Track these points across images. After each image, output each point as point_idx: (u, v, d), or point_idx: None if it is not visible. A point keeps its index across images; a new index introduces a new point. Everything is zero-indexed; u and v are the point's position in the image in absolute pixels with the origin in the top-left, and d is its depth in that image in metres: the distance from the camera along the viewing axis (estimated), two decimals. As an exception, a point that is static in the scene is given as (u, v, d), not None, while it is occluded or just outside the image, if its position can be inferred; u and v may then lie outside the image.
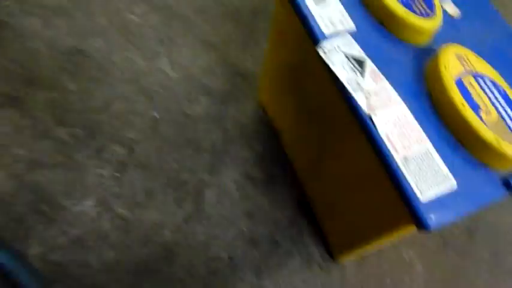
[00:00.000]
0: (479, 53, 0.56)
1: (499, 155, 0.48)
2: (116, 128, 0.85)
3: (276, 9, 0.68)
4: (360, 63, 0.54)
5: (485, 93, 0.50)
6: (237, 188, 0.82)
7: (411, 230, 0.53)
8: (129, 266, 0.74)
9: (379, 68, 0.54)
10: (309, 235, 0.80)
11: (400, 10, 0.55)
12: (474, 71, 0.52)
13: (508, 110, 0.50)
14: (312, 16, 0.56)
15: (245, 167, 0.85)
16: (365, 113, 0.50)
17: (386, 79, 0.53)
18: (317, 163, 0.74)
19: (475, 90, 0.50)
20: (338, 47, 0.54)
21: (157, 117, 0.87)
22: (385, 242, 0.66)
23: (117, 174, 0.81)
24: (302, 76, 0.68)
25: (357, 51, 0.54)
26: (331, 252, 0.79)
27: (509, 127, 0.49)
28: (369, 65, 0.54)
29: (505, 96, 0.51)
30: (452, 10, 0.62)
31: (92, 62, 0.92)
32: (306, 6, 0.56)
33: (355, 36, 0.56)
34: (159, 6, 1.01)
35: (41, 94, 0.86)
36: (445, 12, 0.61)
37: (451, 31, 0.60)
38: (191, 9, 1.02)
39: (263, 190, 0.83)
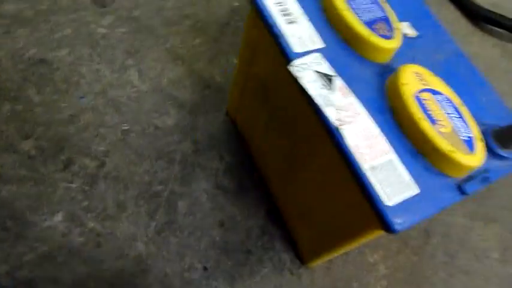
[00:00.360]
0: (434, 71, 0.61)
1: (454, 164, 0.53)
2: (84, 141, 0.84)
3: (247, 26, 0.71)
4: (329, 79, 0.58)
5: (441, 108, 0.56)
6: (209, 198, 0.84)
7: (378, 234, 0.57)
8: (102, 280, 0.73)
9: (346, 84, 0.58)
10: (279, 242, 0.83)
11: (364, 32, 0.59)
12: (430, 88, 0.57)
13: (460, 122, 0.56)
14: (284, 36, 0.59)
15: (216, 177, 0.87)
16: (335, 126, 0.54)
17: (353, 95, 0.57)
18: (286, 173, 0.78)
19: (432, 106, 0.56)
20: (309, 64, 0.58)
21: (127, 129, 0.88)
22: (353, 246, 0.70)
23: (87, 188, 0.80)
24: (273, 90, 0.72)
25: (326, 68, 0.59)
26: (301, 257, 0.82)
27: (460, 137, 0.54)
28: (338, 81, 0.58)
29: (457, 110, 0.57)
30: (410, 31, 0.68)
31: (58, 73, 0.90)
32: (278, 26, 0.60)
33: (324, 54, 0.60)
34: (127, 18, 1.01)
35: (5, 106, 0.83)
36: (403, 33, 0.67)
37: (409, 50, 0.66)
38: (159, 21, 1.03)
39: (234, 200, 0.85)
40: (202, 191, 0.85)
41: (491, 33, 1.33)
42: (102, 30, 0.98)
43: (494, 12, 1.30)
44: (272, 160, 0.83)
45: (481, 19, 1.31)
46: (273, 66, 0.68)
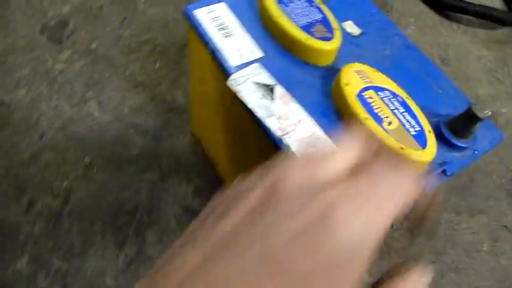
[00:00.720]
0: (380, 67, 0.59)
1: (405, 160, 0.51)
2: (47, 180, 0.83)
3: (190, 45, 0.70)
4: (270, 89, 0.56)
5: (386, 104, 0.54)
6: (178, 224, 0.82)
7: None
8: (71, 322, 0.70)
9: (288, 91, 0.56)
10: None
11: (301, 36, 0.58)
12: (374, 85, 0.55)
13: (407, 116, 0.54)
14: (221, 50, 0.58)
15: (185, 200, 0.84)
16: (278, 137, 0.52)
17: (296, 101, 0.55)
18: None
19: (376, 103, 0.53)
20: (247, 76, 0.56)
21: (90, 162, 0.86)
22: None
23: (51, 227, 0.78)
24: (222, 106, 0.70)
25: (266, 78, 0.57)
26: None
27: (409, 132, 0.52)
28: (278, 90, 0.56)
29: (403, 104, 0.55)
30: (354, 29, 0.67)
31: (16, 114, 0.89)
32: (214, 42, 0.58)
33: (265, 64, 0.58)
34: (84, 51, 1.00)
35: (-38, 154, 0.82)
36: (346, 31, 0.65)
37: (354, 49, 0.64)
38: (117, 51, 1.02)
39: (206, 222, 0.83)
40: (171, 217, 0.82)
41: (459, 21, 1.32)
42: (60, 66, 0.97)
43: (458, 0, 1.29)
44: (236, 176, 0.81)
45: (447, 8, 1.30)
46: (217, 82, 0.66)
